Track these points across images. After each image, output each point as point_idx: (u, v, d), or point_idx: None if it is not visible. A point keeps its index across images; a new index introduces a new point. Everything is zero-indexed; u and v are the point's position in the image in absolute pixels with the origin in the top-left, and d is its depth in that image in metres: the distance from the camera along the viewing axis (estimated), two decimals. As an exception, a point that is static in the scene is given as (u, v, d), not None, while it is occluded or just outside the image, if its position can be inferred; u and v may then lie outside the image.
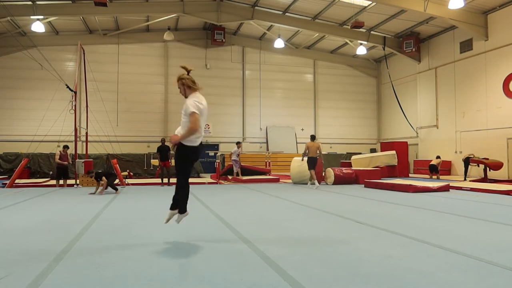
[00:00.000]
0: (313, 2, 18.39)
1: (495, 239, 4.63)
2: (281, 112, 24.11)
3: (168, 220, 4.70)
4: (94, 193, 10.27)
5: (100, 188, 10.38)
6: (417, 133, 21.80)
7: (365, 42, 21.35)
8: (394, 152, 17.31)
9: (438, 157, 17.46)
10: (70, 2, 17.67)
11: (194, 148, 4.43)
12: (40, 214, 6.84)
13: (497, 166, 15.30)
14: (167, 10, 19.15)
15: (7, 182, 12.91)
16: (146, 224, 5.80)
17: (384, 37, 21.20)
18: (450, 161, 19.44)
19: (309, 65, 24.86)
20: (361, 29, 19.45)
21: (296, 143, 23.78)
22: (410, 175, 18.44)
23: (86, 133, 16.03)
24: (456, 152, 18.98)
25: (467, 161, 15.89)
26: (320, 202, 8.47)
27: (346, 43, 22.54)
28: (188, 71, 4.47)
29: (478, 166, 16.21)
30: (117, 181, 11.71)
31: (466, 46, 18.66)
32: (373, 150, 24.08)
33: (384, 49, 21.95)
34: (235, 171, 15.55)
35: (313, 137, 13.33)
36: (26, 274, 3.30)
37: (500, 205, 7.86)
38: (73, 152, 13.96)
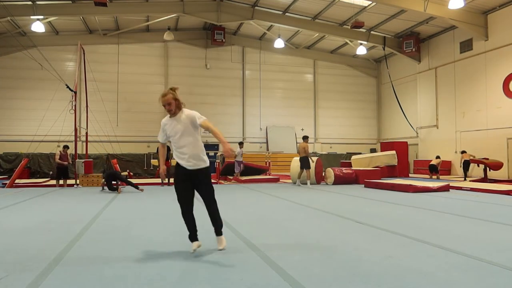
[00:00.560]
0: (313, 2, 18.39)
1: (495, 239, 4.63)
2: (281, 112, 24.10)
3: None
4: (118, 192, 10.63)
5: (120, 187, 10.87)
6: (417, 133, 21.80)
7: (365, 42, 21.34)
8: (394, 152, 17.32)
9: (437, 157, 17.48)
10: (70, 2, 17.66)
11: (181, 168, 4.02)
12: (40, 214, 6.84)
13: (497, 166, 15.31)
14: (167, 10, 19.14)
15: (7, 182, 12.92)
16: (146, 224, 5.80)
17: (384, 37, 21.20)
18: (450, 161, 19.44)
19: (309, 65, 24.86)
20: (361, 29, 19.44)
21: (296, 143, 23.74)
22: (410, 175, 18.44)
23: (86, 133, 16.03)
24: (456, 152, 18.99)
25: (466, 163, 15.93)
26: (320, 202, 8.47)
27: (346, 43, 22.54)
28: (174, 90, 4.07)
29: (478, 166, 16.22)
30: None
31: (466, 46, 18.65)
32: (373, 150, 24.07)
33: (384, 49, 21.94)
34: (236, 171, 15.54)
35: (304, 138, 13.33)
36: (26, 274, 3.30)
37: (500, 205, 7.86)
38: (73, 152, 13.97)
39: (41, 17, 17.90)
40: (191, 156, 3.97)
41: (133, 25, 20.80)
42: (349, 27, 19.06)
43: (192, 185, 4.07)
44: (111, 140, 18.01)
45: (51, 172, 16.64)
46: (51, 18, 18.53)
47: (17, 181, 13.13)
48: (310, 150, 22.90)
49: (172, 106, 3.96)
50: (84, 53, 15.88)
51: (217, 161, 16.48)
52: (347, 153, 23.09)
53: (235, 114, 23.50)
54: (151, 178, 17.11)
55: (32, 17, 17.64)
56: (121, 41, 21.56)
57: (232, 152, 3.88)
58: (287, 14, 19.77)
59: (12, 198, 9.34)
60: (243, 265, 3.56)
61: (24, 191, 11.24)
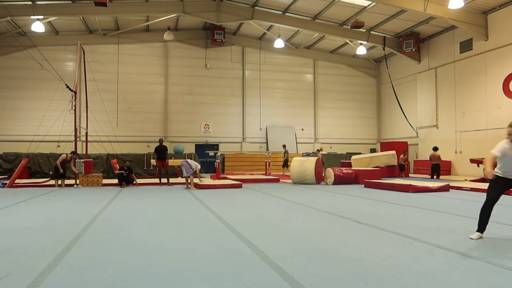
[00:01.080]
0: (313, 2, 18.38)
1: (495, 239, 4.63)
2: (281, 112, 24.10)
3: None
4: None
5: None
6: (417, 133, 21.80)
7: (365, 42, 21.34)
8: (394, 152, 17.30)
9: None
10: (70, 2, 17.67)
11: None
12: (40, 214, 6.84)
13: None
14: (167, 10, 19.14)
15: (7, 182, 12.92)
16: (146, 224, 5.80)
17: (384, 37, 21.20)
18: (450, 161, 19.44)
19: (309, 65, 24.86)
20: (361, 29, 19.43)
21: (296, 143, 23.80)
22: (410, 175, 18.43)
23: (86, 133, 16.03)
24: (456, 152, 18.98)
25: (436, 166, 15.97)
26: (320, 202, 8.48)
27: (346, 43, 22.54)
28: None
29: (478, 166, 16.21)
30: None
31: (466, 46, 18.65)
32: (373, 150, 24.06)
33: (384, 49, 21.94)
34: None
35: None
36: (26, 274, 3.30)
37: (500, 205, 7.83)
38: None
39: (41, 17, 17.90)
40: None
41: (133, 25, 20.80)
42: (349, 27, 19.06)
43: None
44: (111, 140, 18.01)
45: (51, 172, 16.62)
46: (51, 18, 18.53)
47: (17, 181, 13.13)
48: (310, 150, 22.99)
49: None
50: (84, 53, 15.89)
51: (217, 161, 16.49)
52: (347, 153, 23.09)
53: (235, 114, 23.50)
54: (151, 178, 17.10)
55: (32, 17, 17.64)
56: (121, 41, 21.56)
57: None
58: (287, 14, 19.76)
59: (12, 198, 9.34)
60: (243, 265, 3.56)
61: (24, 191, 11.24)
